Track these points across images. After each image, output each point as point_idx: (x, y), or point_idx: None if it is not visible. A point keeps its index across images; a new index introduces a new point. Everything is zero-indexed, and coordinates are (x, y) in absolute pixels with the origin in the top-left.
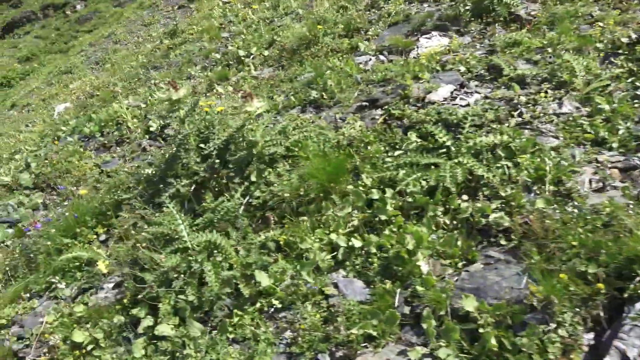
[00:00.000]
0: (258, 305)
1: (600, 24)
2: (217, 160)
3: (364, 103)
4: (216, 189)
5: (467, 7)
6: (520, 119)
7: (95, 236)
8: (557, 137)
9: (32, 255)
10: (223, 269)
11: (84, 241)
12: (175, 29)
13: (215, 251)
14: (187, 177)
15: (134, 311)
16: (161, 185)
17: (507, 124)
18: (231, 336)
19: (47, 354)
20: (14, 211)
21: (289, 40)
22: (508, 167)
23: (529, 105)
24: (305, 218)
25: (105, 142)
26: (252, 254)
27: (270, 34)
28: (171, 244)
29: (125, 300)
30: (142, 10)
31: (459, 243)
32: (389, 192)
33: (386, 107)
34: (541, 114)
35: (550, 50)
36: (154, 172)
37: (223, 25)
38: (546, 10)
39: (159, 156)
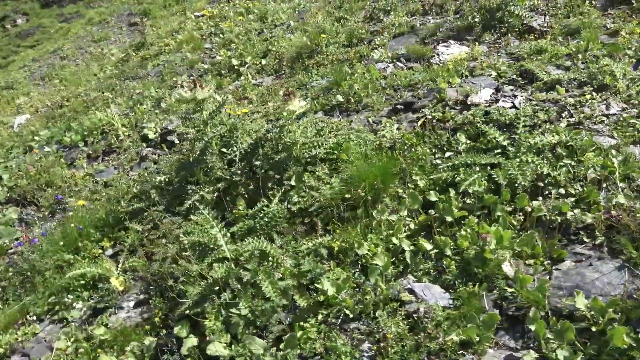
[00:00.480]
0: (320, 316)
1: (622, 33)
2: (256, 164)
3: (399, 106)
4: (245, 195)
5: (475, 19)
6: (572, 119)
7: (100, 250)
8: (612, 137)
9: (28, 274)
10: (275, 278)
11: (89, 256)
12: (144, 42)
13: (265, 260)
14: (211, 184)
15: (175, 330)
16: (185, 193)
17: (559, 125)
18: (296, 352)
19: None
20: None
21: (286, 50)
22: (572, 166)
23: (576, 106)
24: (353, 223)
25: (90, 151)
26: (306, 262)
27: (262, 44)
28: (207, 254)
29: (156, 319)
30: (91, 27)
31: (539, 242)
32: (452, 193)
33: (423, 110)
34: (590, 115)
35: (580, 56)
36: (167, 179)
37: (204, 37)
38: (558, 22)
39: (170, 163)
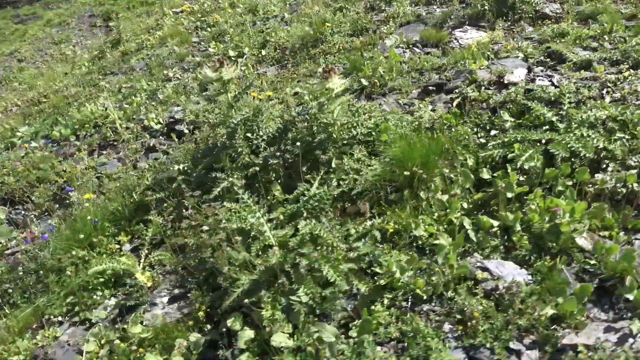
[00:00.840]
0: (386, 301)
1: None
2: (295, 144)
3: (431, 87)
4: (278, 181)
5: (485, 7)
6: (616, 95)
7: (117, 245)
8: None
9: (41, 272)
10: (336, 262)
11: (105, 252)
12: (119, 38)
13: (318, 245)
14: (239, 170)
15: (229, 322)
16: (210, 181)
17: (604, 101)
18: (371, 337)
19: None
20: None
21: (287, 40)
22: (626, 139)
23: (616, 83)
24: (400, 205)
25: (84, 145)
26: (362, 246)
27: (259, 35)
28: (248, 241)
29: (200, 314)
30: (50, 28)
31: (607, 214)
32: (509, 169)
33: (456, 90)
34: (633, 91)
35: (605, 38)
36: (185, 168)
37: (189, 31)
38: (571, 8)
39: (185, 151)
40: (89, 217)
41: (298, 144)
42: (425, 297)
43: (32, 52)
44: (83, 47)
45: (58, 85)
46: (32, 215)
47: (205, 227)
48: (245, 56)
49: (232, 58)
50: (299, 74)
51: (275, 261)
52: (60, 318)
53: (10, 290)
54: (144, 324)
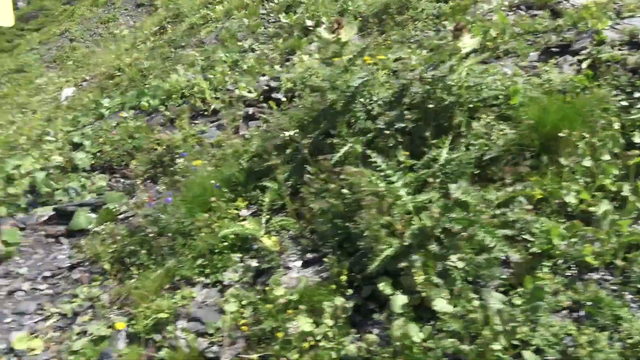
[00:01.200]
0: (545, 269)
1: None
2: (429, 106)
3: (554, 49)
4: (399, 146)
5: None
6: None
7: (235, 211)
8: None
9: (169, 234)
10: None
11: (225, 217)
12: (179, 13)
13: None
14: (357, 135)
15: (380, 286)
16: (327, 146)
17: None
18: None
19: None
20: (76, 195)
21: (367, 8)
22: None
23: None
24: (539, 171)
25: (173, 116)
26: (510, 212)
27: (334, 4)
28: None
29: (342, 278)
30: (97, 8)
31: None
32: None
33: (584, 52)
34: None
35: None
36: (295, 134)
37: (255, 3)
38: None
39: (289, 118)
40: (212, 182)
41: (431, 105)
42: (596, 265)
43: (81, 32)
44: (130, 26)
45: (129, 60)
46: (138, 182)
47: (344, 191)
48: (323, 25)
49: (310, 28)
50: (391, 41)
51: (430, 224)
52: (192, 280)
53: (143, 252)
54: (282, 287)
